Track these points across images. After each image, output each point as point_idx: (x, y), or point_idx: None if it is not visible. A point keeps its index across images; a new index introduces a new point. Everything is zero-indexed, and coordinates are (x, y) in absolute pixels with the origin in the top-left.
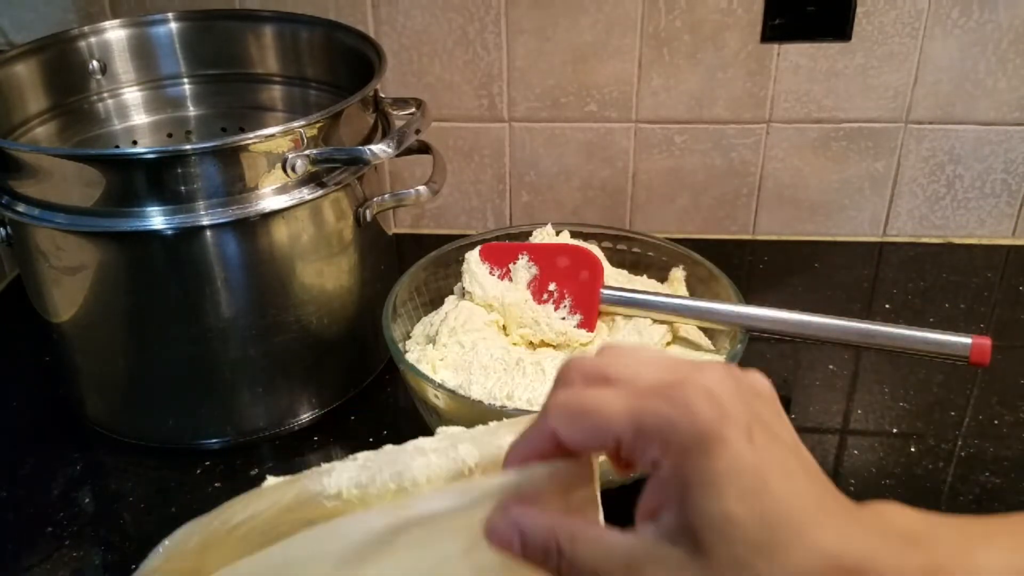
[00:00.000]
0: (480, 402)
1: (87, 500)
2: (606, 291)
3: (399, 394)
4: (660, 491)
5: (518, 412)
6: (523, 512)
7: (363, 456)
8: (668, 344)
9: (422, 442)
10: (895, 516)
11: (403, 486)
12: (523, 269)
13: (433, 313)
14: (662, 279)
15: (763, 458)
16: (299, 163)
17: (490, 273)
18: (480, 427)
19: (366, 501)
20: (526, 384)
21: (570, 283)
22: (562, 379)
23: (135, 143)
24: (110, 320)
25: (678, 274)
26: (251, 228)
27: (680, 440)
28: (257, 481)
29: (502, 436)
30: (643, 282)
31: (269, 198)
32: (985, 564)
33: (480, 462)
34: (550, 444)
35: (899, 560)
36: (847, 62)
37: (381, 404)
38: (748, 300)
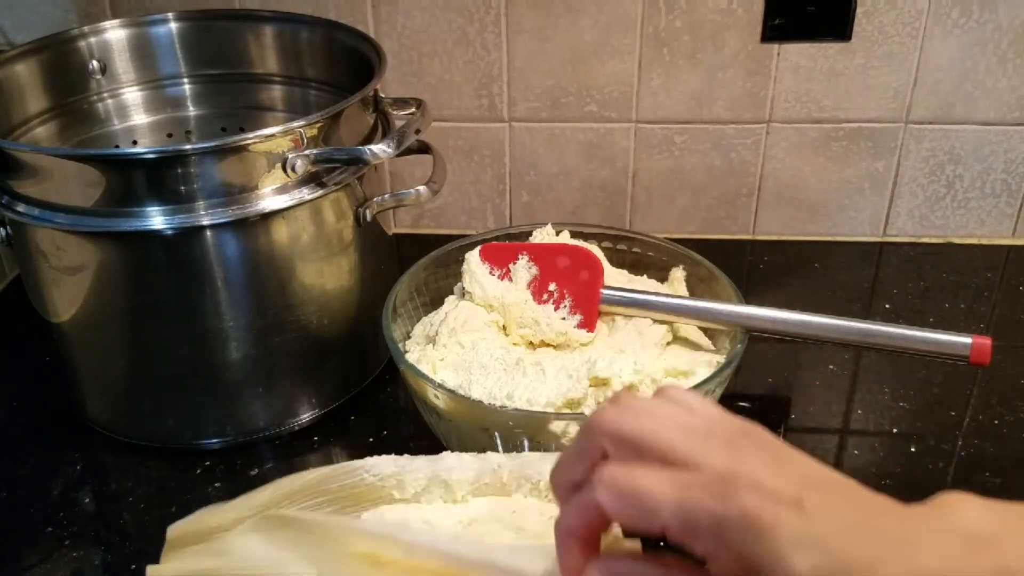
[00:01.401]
0: (480, 402)
1: (87, 500)
2: (606, 291)
3: (399, 394)
4: None
5: (518, 412)
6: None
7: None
8: (668, 344)
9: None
10: (961, 513)
11: (437, 473)
12: (523, 269)
13: (433, 313)
14: (662, 279)
15: (816, 522)
16: (299, 163)
17: (490, 273)
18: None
19: (402, 485)
20: (526, 384)
21: (570, 283)
22: (590, 442)
23: (135, 143)
24: (110, 320)
25: (678, 274)
26: (251, 228)
27: (734, 536)
28: (257, 481)
29: (531, 459)
30: (643, 282)
31: (269, 198)
32: None
33: (508, 464)
34: (597, 517)
35: (968, 565)
36: (847, 62)
37: (381, 404)
38: (748, 300)
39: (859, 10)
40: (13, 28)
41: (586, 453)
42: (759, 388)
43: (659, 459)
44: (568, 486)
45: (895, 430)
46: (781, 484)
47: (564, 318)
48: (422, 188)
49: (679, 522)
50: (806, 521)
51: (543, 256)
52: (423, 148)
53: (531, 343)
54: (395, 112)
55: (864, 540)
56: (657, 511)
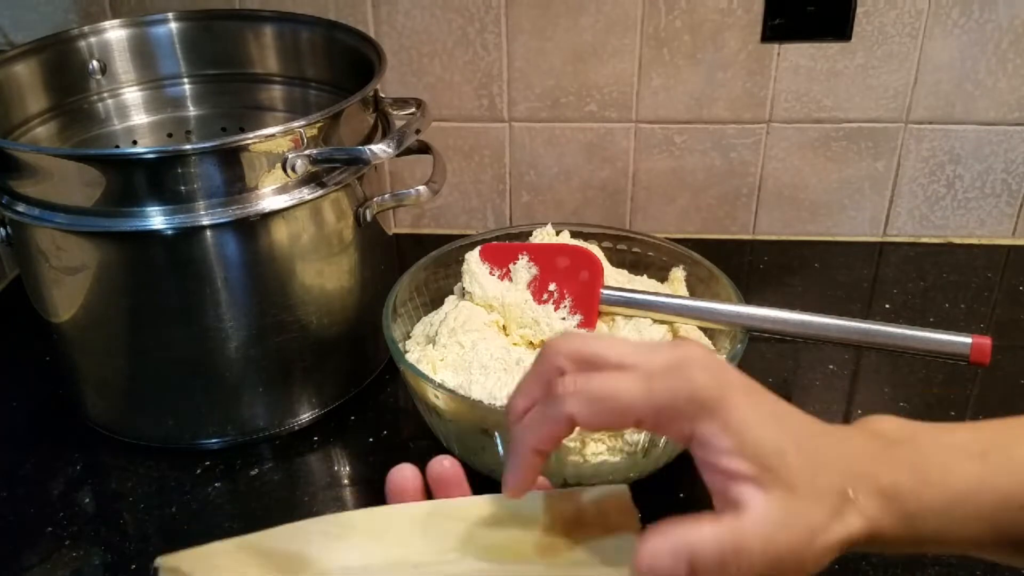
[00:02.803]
0: (480, 402)
1: (87, 500)
2: (606, 291)
3: (399, 394)
4: (716, 463)
5: None
6: (688, 533)
7: None
8: None
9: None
10: (880, 423)
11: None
12: (523, 269)
13: (433, 313)
14: (662, 279)
15: (766, 404)
16: (299, 163)
17: (490, 273)
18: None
19: None
20: None
21: (570, 283)
22: (548, 363)
23: (135, 143)
24: (110, 320)
25: (678, 274)
26: (251, 228)
27: (699, 408)
28: (257, 481)
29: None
30: (643, 282)
31: (269, 198)
32: (950, 441)
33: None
34: (566, 427)
35: (887, 455)
36: (847, 62)
37: (381, 404)
38: (748, 300)
39: (859, 10)
40: (13, 28)
41: (544, 374)
42: None
43: (616, 368)
44: (527, 408)
45: None
46: (726, 373)
47: (564, 318)
48: (422, 188)
49: (652, 411)
50: (751, 405)
51: (543, 256)
52: (423, 148)
53: (531, 343)
54: (395, 112)
55: (809, 427)
56: (631, 407)
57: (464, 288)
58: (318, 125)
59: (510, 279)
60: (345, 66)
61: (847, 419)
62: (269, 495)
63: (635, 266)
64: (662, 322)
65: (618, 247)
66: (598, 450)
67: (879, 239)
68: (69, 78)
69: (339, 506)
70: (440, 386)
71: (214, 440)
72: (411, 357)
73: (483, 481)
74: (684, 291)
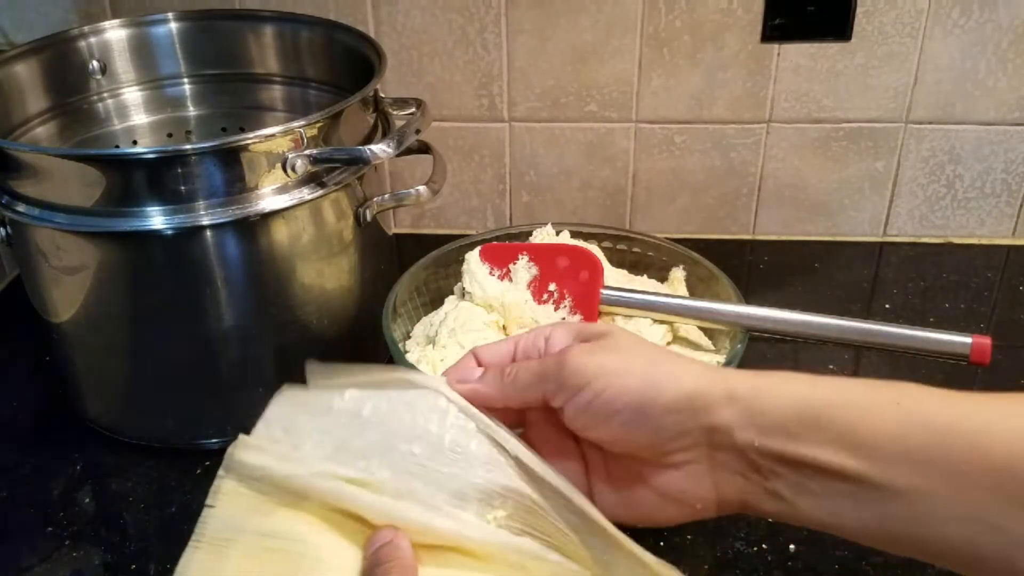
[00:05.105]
0: None
1: (87, 500)
2: (606, 291)
3: None
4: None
5: None
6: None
7: None
8: (668, 344)
9: None
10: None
11: None
12: (523, 269)
13: (433, 313)
14: (662, 279)
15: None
16: (299, 163)
17: (490, 273)
18: None
19: None
20: None
21: (570, 283)
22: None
23: (135, 143)
24: (110, 320)
25: (678, 274)
26: (251, 228)
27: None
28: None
29: None
30: (643, 282)
31: (269, 198)
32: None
33: None
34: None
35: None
36: (847, 62)
37: None
38: (748, 300)
39: (859, 10)
40: (13, 28)
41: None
42: None
43: None
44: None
45: None
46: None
47: (564, 318)
48: (422, 188)
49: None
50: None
51: (543, 256)
52: (423, 148)
53: None
54: (395, 112)
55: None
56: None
57: (464, 288)
58: (318, 125)
59: (510, 279)
60: (345, 66)
61: None
62: None
63: (635, 266)
64: (662, 322)
65: (618, 247)
66: None
67: (879, 239)
68: (69, 78)
69: None
70: None
71: (214, 440)
72: (411, 357)
73: None
74: (684, 291)
